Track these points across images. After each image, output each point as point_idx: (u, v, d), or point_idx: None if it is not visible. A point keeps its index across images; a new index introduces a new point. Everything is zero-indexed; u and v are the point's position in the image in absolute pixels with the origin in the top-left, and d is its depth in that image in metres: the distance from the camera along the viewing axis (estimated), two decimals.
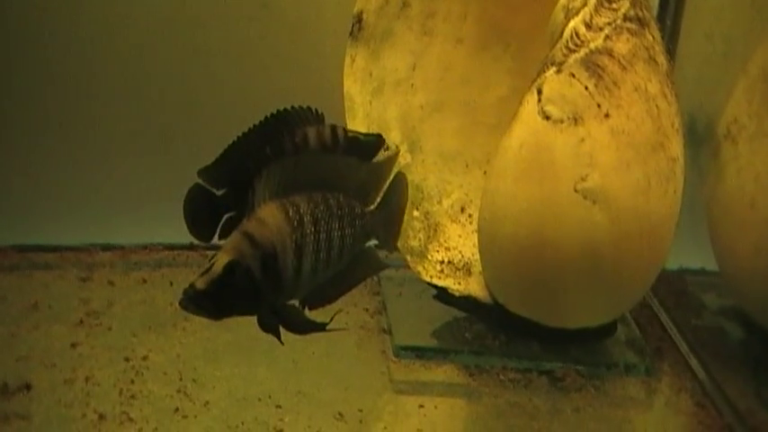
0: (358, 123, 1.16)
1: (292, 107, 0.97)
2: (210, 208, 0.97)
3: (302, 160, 0.88)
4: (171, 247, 1.34)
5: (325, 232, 0.87)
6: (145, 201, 1.31)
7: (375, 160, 1.12)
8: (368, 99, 1.18)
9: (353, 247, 0.91)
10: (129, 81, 1.30)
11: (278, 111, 0.96)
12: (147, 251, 1.33)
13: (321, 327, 0.87)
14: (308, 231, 0.85)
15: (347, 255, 0.91)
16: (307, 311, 0.88)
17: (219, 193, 0.97)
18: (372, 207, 0.96)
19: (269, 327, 0.86)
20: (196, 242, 1.31)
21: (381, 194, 0.97)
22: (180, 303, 0.80)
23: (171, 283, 1.25)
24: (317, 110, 0.98)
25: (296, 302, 0.88)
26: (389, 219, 0.99)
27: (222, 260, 0.80)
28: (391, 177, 1.00)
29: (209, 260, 0.81)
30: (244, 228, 0.83)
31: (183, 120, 1.32)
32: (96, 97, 1.31)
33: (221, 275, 0.80)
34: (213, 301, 0.80)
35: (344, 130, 0.99)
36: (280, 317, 0.86)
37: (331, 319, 0.88)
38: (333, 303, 0.90)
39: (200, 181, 0.97)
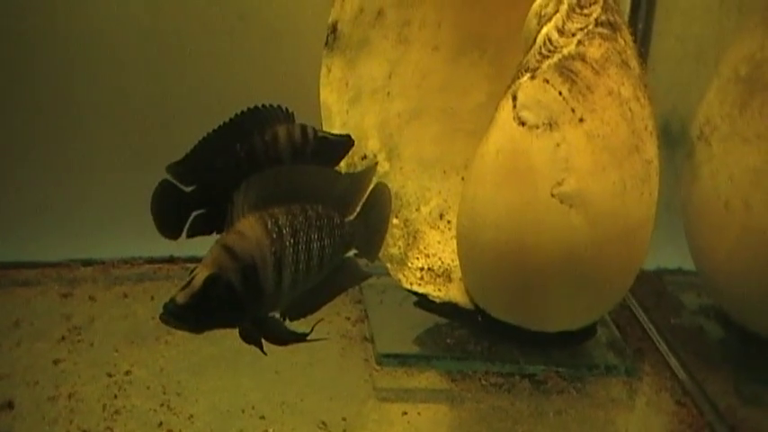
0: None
1: (263, 105, 0.96)
2: (179, 205, 0.96)
3: (281, 172, 0.87)
4: (152, 261, 1.34)
5: (305, 243, 0.86)
6: (125, 215, 1.30)
7: (353, 171, 1.12)
8: (345, 108, 1.18)
9: (333, 258, 0.91)
10: (107, 95, 1.30)
11: (248, 108, 0.96)
12: (127, 265, 1.33)
13: (302, 337, 0.87)
14: (288, 243, 0.84)
15: (327, 265, 0.90)
16: (288, 322, 0.88)
17: (188, 189, 0.96)
18: (352, 217, 0.95)
19: (251, 339, 0.86)
20: (176, 255, 1.33)
21: (361, 205, 0.97)
22: (160, 318, 0.79)
23: (152, 297, 1.24)
24: (287, 109, 0.97)
25: (277, 314, 0.87)
26: (370, 229, 0.98)
27: (202, 274, 0.80)
28: (372, 188, 0.99)
29: (190, 274, 0.80)
30: (223, 241, 0.82)
31: (163, 133, 1.31)
32: (74, 112, 1.30)
33: (201, 289, 0.79)
34: (194, 314, 0.79)
35: (314, 129, 0.98)
36: (261, 329, 0.85)
37: (312, 330, 0.88)
38: (314, 313, 0.90)
39: (168, 177, 0.96)
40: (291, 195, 0.87)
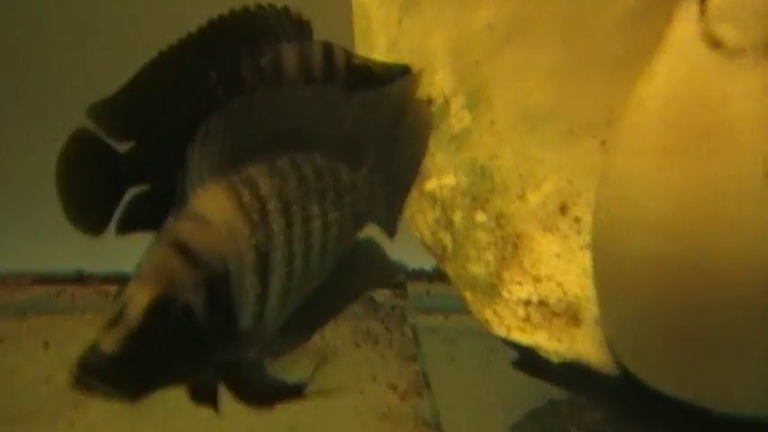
0: (378, 57, 1.16)
1: (259, 6, 0.97)
2: (106, 173, 0.95)
3: (256, 101, 0.87)
4: (47, 280, 1.35)
5: (301, 225, 0.86)
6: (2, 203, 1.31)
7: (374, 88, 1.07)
8: (395, 17, 1.21)
9: (342, 242, 0.91)
10: None
11: (232, 11, 0.94)
12: (3, 286, 1.34)
13: (298, 391, 0.85)
14: (276, 228, 0.84)
15: (330, 258, 0.90)
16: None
17: (123, 148, 0.95)
18: (365, 170, 0.94)
19: (205, 395, 0.85)
20: (89, 270, 1.32)
21: (384, 145, 0.95)
22: (75, 380, 0.75)
23: (46, 344, 1.26)
24: (299, 15, 0.99)
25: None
26: (395, 182, 0.97)
27: (142, 296, 0.78)
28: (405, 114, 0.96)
29: (117, 297, 0.79)
30: (173, 233, 0.82)
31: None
32: None
33: (144, 324, 0.77)
34: (131, 370, 0.77)
35: (347, 52, 0.99)
36: (231, 378, 0.85)
37: (312, 374, 0.86)
38: (307, 341, 0.90)
39: (89, 125, 0.94)
40: (275, 138, 0.87)
